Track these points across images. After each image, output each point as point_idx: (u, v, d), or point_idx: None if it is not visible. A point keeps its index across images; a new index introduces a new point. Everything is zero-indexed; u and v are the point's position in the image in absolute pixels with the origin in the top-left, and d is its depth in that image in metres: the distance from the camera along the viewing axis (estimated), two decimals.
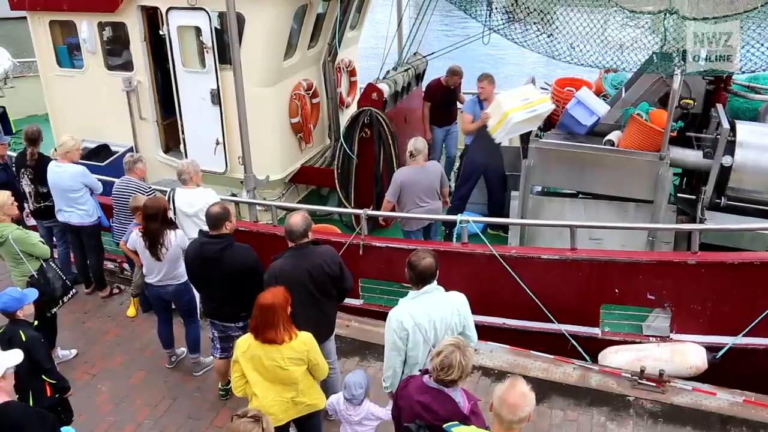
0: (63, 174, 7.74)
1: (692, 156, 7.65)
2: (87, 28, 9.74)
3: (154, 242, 6.29)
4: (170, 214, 6.62)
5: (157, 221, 6.26)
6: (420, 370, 4.29)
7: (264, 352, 4.60)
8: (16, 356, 4.48)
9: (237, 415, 3.83)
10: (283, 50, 9.00)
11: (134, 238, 6.59)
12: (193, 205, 7.01)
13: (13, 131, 11.99)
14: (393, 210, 7.89)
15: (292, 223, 5.29)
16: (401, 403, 4.13)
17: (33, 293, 5.53)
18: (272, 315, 4.56)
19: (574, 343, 6.81)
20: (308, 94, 9.60)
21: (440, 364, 3.88)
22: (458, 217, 7.27)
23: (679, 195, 8.05)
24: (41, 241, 6.87)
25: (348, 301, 6.87)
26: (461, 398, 3.98)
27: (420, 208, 7.75)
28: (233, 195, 9.35)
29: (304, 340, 4.71)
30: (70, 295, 6.92)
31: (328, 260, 5.33)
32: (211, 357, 6.53)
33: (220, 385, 6.49)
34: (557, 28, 6.98)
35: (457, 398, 3.96)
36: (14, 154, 8.64)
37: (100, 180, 8.09)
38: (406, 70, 9.92)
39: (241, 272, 5.71)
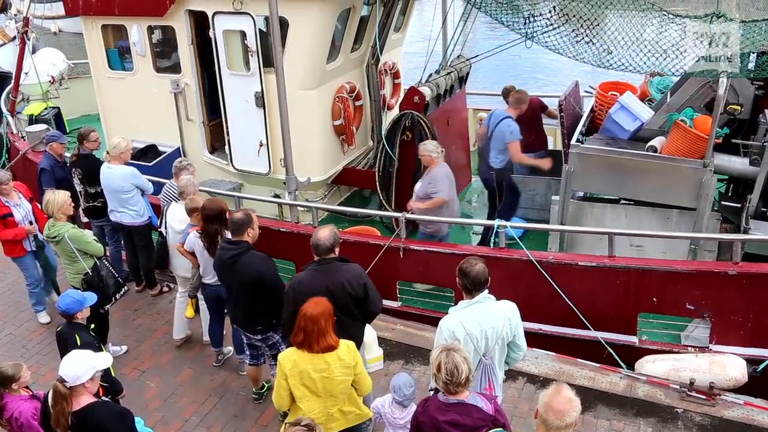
0: (113, 175, 8.01)
1: (738, 163, 7.53)
2: (137, 31, 10.05)
3: (213, 242, 6.36)
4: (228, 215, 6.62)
5: (216, 222, 6.35)
6: (431, 389, 4.31)
7: (312, 366, 4.55)
8: (105, 360, 4.67)
9: (290, 423, 3.91)
10: (326, 53, 9.13)
11: (192, 240, 6.65)
12: (183, 222, 7.05)
13: (67, 131, 12.40)
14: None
15: (319, 237, 5.20)
16: (426, 429, 4.09)
17: (92, 297, 5.78)
18: (324, 322, 4.50)
19: (611, 350, 6.80)
20: (351, 96, 9.73)
21: (447, 372, 3.87)
22: (496, 222, 7.32)
23: (723, 203, 7.92)
24: (95, 240, 7.13)
25: (386, 302, 6.95)
26: (481, 402, 4.01)
27: (454, 203, 8.07)
28: (276, 196, 9.55)
29: (349, 347, 4.68)
30: (122, 293, 7.19)
31: (351, 280, 5.15)
32: None
33: (253, 390, 6.66)
34: (597, 33, 6.91)
35: (478, 403, 3.98)
36: (68, 154, 8.98)
37: (148, 179, 8.33)
38: (448, 73, 9.94)
39: (252, 281, 5.65)
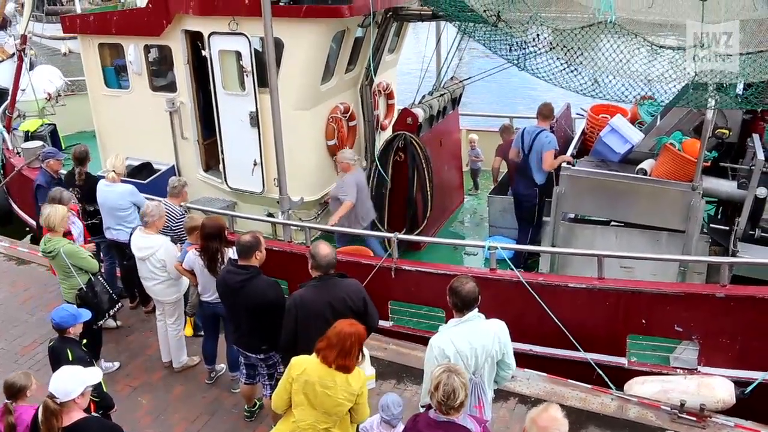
0: (112, 193, 8.05)
1: (726, 186, 7.64)
2: (133, 50, 10.14)
3: (213, 260, 6.36)
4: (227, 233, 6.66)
5: (216, 240, 6.34)
6: (422, 406, 4.35)
7: (318, 379, 4.56)
8: (95, 375, 4.70)
9: None
10: (321, 75, 9.21)
11: (192, 258, 6.59)
12: (141, 250, 7.01)
13: (63, 148, 12.45)
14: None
15: (321, 254, 5.25)
16: None
17: (86, 313, 5.79)
18: (350, 344, 4.52)
19: (600, 372, 6.84)
20: (345, 117, 9.80)
21: (444, 393, 3.90)
22: (486, 243, 7.39)
23: (712, 225, 8.02)
24: (90, 256, 7.13)
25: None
26: (471, 424, 4.03)
27: (366, 206, 8.94)
28: (270, 215, 9.61)
29: (361, 375, 4.70)
30: (116, 309, 7.18)
31: (351, 294, 5.24)
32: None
33: (245, 407, 6.65)
34: (582, 63, 7.01)
35: (468, 425, 4.01)
36: (64, 173, 9.01)
37: (145, 197, 8.35)
38: (441, 95, 10.06)
39: (260, 306, 5.63)
